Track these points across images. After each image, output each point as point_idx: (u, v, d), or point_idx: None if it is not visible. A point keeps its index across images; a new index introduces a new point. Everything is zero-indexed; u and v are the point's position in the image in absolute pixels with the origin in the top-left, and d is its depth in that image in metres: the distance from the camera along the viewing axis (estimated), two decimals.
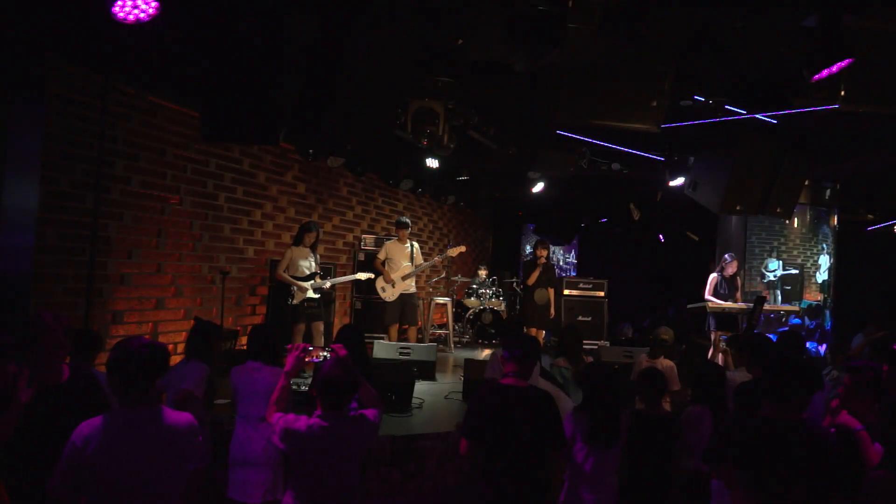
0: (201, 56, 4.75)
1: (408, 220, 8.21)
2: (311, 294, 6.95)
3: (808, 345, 9.47)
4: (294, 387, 4.42)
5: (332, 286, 7.65)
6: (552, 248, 13.34)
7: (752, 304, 7.52)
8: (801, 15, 3.91)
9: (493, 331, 10.17)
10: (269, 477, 3.61)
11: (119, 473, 2.32)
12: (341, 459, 2.84)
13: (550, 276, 8.67)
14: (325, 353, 3.52)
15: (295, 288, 6.88)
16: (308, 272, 6.95)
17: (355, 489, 2.93)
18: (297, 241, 7.07)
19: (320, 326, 7.14)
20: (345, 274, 8.83)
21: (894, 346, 3.06)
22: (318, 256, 7.17)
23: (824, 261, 9.89)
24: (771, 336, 6.55)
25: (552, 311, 8.64)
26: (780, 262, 9.65)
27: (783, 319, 9.35)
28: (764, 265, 9.64)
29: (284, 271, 6.87)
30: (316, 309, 7.06)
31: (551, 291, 8.60)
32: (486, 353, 9.11)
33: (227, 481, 3.70)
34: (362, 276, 7.61)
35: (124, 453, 2.33)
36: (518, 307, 11.44)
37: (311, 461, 2.81)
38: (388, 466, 4.80)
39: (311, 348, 3.37)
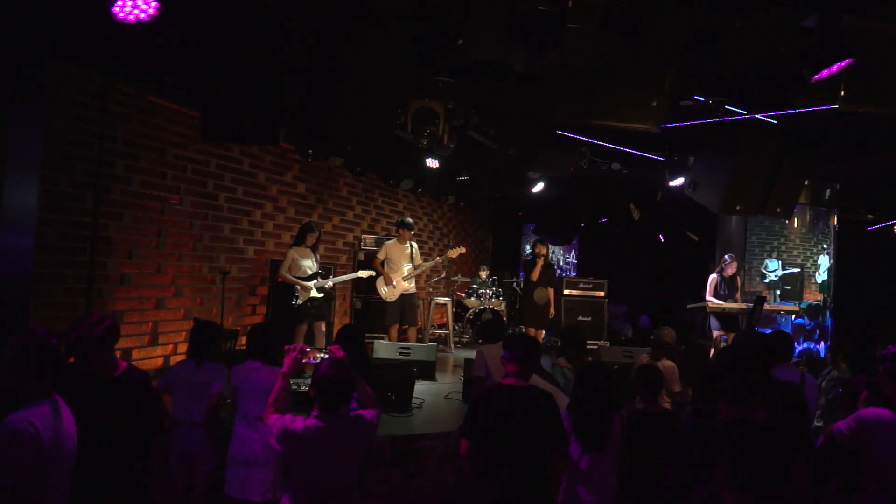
0: (201, 56, 4.75)
1: (412, 221, 8.17)
2: (314, 294, 6.95)
3: (808, 344, 9.47)
4: (294, 387, 4.43)
5: (333, 285, 7.65)
6: (552, 247, 13.36)
7: (752, 304, 7.52)
8: (801, 15, 3.91)
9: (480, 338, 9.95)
10: (269, 476, 3.63)
11: (65, 460, 2.39)
12: (339, 460, 2.84)
13: (550, 276, 8.68)
14: (322, 354, 3.52)
15: (299, 288, 6.88)
16: (310, 272, 6.95)
17: (353, 490, 2.93)
18: (299, 241, 7.06)
19: (322, 326, 7.14)
20: (345, 274, 8.82)
21: (882, 352, 3.06)
22: (318, 256, 7.17)
23: (824, 261, 9.89)
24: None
25: (552, 310, 8.65)
26: (780, 262, 9.65)
27: (782, 319, 9.35)
28: (763, 266, 9.64)
29: (287, 272, 6.87)
30: (319, 309, 7.05)
31: (551, 291, 8.60)
32: None
33: (225, 479, 3.71)
34: (364, 273, 7.60)
35: (64, 441, 2.39)
36: (518, 307, 11.45)
37: (308, 462, 2.81)
38: (388, 466, 4.80)
39: (308, 349, 3.36)
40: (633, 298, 12.69)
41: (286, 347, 3.23)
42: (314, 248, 7.09)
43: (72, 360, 3.06)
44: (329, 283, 7.26)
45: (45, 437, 2.28)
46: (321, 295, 7.05)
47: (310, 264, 6.96)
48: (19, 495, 2.22)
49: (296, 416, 2.87)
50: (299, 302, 6.88)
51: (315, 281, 6.95)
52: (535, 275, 8.37)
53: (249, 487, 3.64)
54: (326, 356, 3.27)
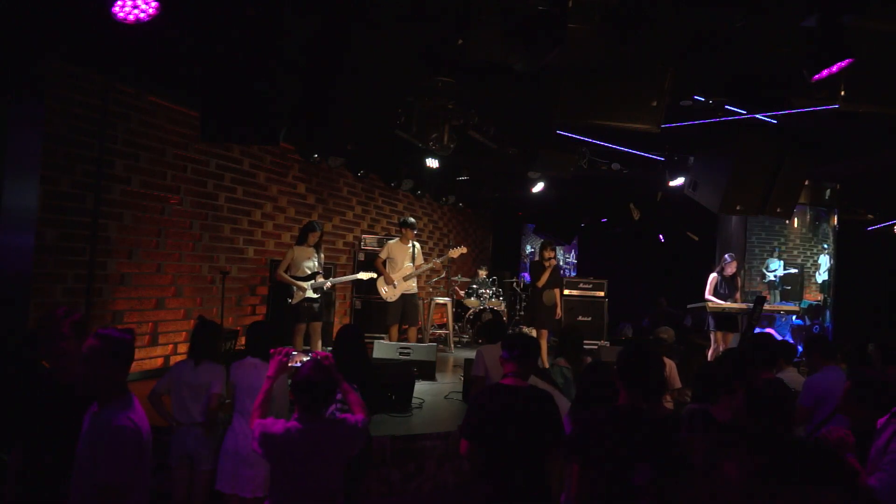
0: (201, 56, 4.76)
1: (414, 221, 8.13)
2: (310, 294, 6.89)
3: None
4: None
5: (333, 286, 7.60)
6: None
7: (751, 304, 7.52)
8: (801, 15, 3.91)
9: (480, 338, 9.91)
10: (261, 474, 3.61)
11: (149, 454, 2.48)
12: (319, 463, 2.79)
13: (556, 277, 8.67)
14: (307, 358, 3.49)
15: (294, 287, 6.87)
16: (310, 272, 6.90)
17: (336, 494, 2.87)
18: (301, 240, 7.00)
19: (318, 327, 7.06)
20: (345, 274, 8.82)
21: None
22: (321, 256, 7.12)
23: (824, 261, 9.89)
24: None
25: (558, 311, 8.64)
26: (782, 262, 9.64)
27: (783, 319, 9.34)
28: (765, 265, 9.63)
29: (286, 271, 6.82)
30: (315, 309, 7.01)
31: (557, 292, 8.59)
32: None
33: (217, 473, 3.72)
34: (364, 275, 7.56)
35: (149, 439, 2.48)
36: (520, 307, 11.45)
37: (288, 464, 2.77)
38: (388, 466, 4.80)
39: (294, 353, 3.35)
40: (632, 298, 12.69)
41: (271, 351, 3.18)
42: (317, 248, 7.01)
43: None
44: (328, 283, 7.20)
45: (143, 432, 2.36)
46: (317, 295, 6.99)
47: (311, 264, 6.90)
48: (127, 491, 2.29)
49: (277, 420, 2.84)
50: (294, 301, 6.84)
51: (312, 281, 6.91)
52: (543, 281, 8.34)
53: (240, 483, 3.64)
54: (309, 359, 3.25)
